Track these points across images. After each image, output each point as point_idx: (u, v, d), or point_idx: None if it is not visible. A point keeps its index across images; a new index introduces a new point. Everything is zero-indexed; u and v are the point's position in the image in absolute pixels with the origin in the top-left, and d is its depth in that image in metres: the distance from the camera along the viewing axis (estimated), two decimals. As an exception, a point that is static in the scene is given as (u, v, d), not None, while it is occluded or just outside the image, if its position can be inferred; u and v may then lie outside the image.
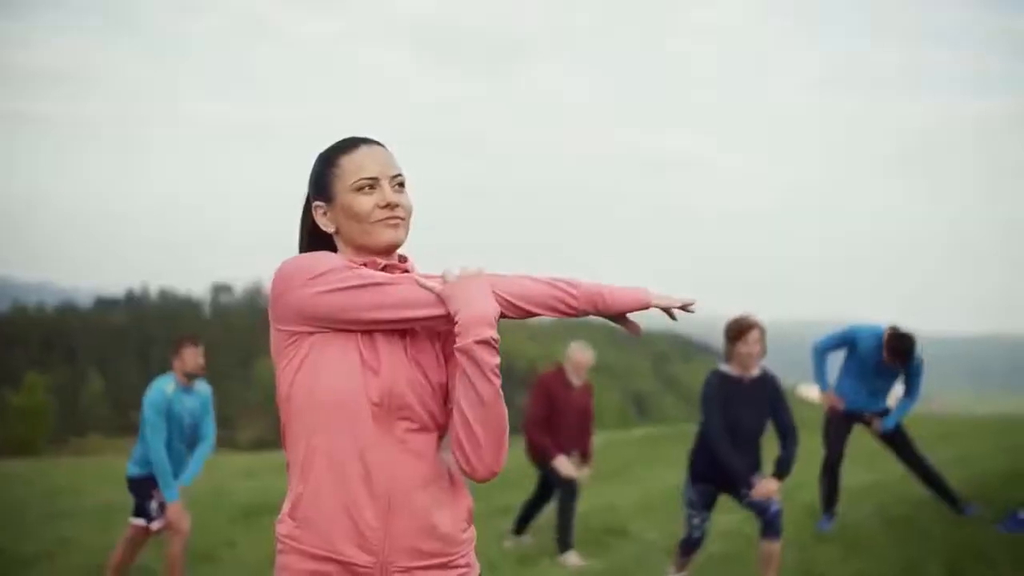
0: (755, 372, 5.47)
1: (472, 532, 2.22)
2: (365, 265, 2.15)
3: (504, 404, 2.08)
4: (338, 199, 2.17)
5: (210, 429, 6.43)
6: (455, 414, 2.09)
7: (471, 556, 2.21)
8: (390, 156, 2.21)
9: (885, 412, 7.03)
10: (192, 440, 6.34)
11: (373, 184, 2.15)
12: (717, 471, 5.42)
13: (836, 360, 7.13)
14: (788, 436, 5.46)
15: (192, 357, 6.22)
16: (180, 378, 6.21)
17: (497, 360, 2.06)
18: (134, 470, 6.29)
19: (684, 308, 2.21)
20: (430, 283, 2.09)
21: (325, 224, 2.21)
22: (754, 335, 5.35)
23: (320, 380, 2.08)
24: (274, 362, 2.18)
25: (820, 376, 7.15)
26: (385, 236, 2.16)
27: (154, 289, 78.17)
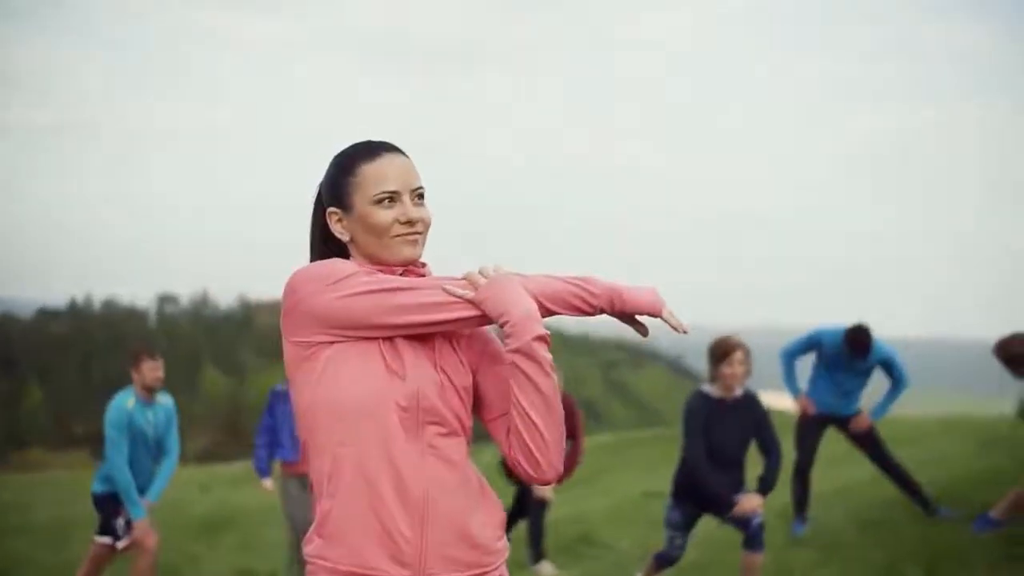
0: (738, 392, 5.42)
1: (505, 542, 2.16)
2: (382, 272, 2.08)
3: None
4: (356, 209, 2.10)
5: (175, 443, 6.28)
6: (516, 419, 2.02)
7: (504, 568, 2.15)
8: (411, 166, 2.14)
9: (857, 415, 7.06)
10: (158, 454, 6.18)
11: (394, 197, 2.08)
12: (700, 492, 5.38)
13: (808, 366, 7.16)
14: (772, 453, 5.42)
15: (150, 371, 6.06)
16: (140, 392, 6.05)
17: (551, 356, 2.01)
18: (99, 487, 6.12)
19: (679, 331, 2.17)
20: (456, 285, 2.03)
21: (340, 232, 2.14)
22: (738, 356, 5.31)
23: (343, 389, 2.00)
24: (289, 377, 2.09)
25: (790, 382, 7.17)
26: (403, 252, 2.10)
27: (98, 299, 76.91)
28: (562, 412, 2.04)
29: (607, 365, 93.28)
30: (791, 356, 7.14)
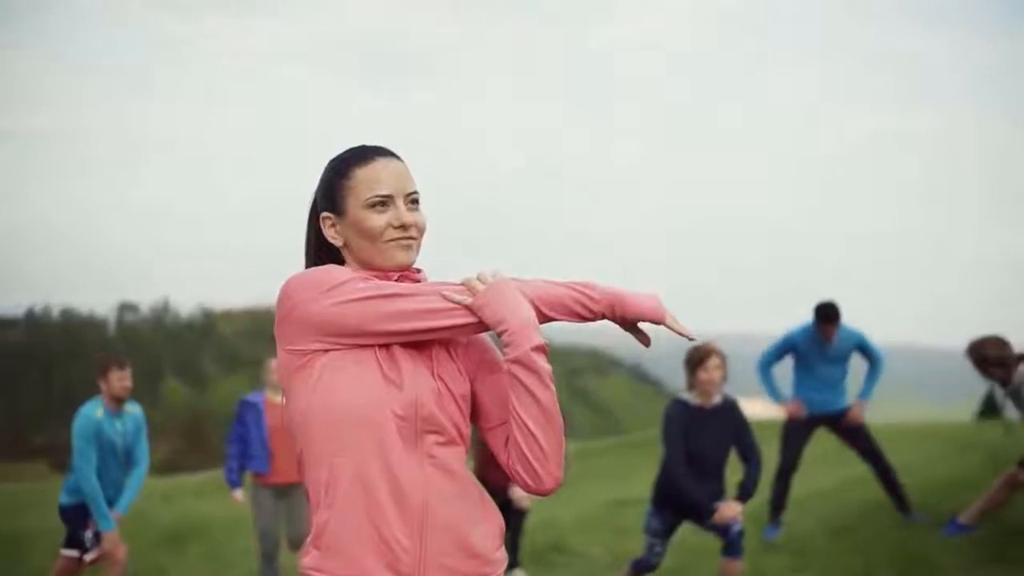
0: (717, 399, 5.43)
1: (504, 553, 2.11)
2: (378, 278, 2.06)
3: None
4: (349, 214, 2.07)
5: (144, 453, 6.19)
6: (514, 429, 1.99)
7: None
8: (406, 170, 2.11)
9: (851, 409, 7.11)
10: (127, 465, 6.10)
11: (387, 201, 2.06)
12: (680, 499, 5.38)
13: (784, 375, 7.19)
14: (751, 460, 5.42)
15: (118, 380, 5.97)
16: (108, 402, 5.97)
17: (550, 366, 1.98)
18: (66, 499, 6.01)
19: (686, 336, 2.16)
20: (454, 291, 2.00)
21: (333, 237, 2.11)
22: (714, 362, 5.31)
23: (340, 397, 1.96)
24: (283, 386, 2.06)
25: (771, 390, 7.21)
26: (397, 257, 2.07)
27: (56, 308, 75.96)
28: (561, 422, 2.01)
29: (571, 372, 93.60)
30: (767, 364, 7.20)
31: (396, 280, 2.07)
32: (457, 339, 2.09)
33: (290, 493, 6.83)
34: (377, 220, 2.05)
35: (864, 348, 7.12)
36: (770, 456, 5.83)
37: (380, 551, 1.95)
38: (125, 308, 77.83)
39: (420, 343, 2.03)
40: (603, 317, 2.11)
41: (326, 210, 2.12)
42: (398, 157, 2.12)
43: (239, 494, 6.93)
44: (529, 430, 1.97)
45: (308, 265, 2.18)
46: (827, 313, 6.96)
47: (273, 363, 6.78)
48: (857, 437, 7.15)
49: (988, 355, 5.92)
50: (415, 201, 2.09)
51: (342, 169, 2.10)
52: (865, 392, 7.17)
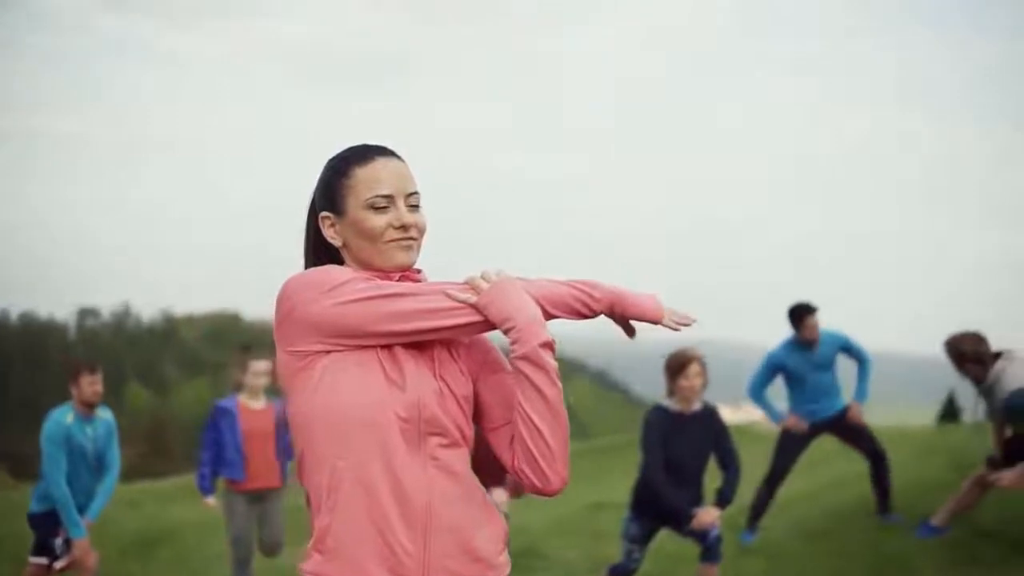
0: (696, 406, 5.43)
1: (507, 557, 2.09)
2: (379, 278, 2.03)
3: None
4: (349, 214, 2.04)
5: (115, 459, 6.11)
6: (520, 427, 1.97)
7: None
8: (407, 170, 2.09)
9: (849, 408, 7.10)
10: (97, 471, 6.01)
11: (387, 202, 2.03)
12: (659, 506, 5.38)
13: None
14: (730, 467, 5.43)
15: (89, 385, 5.88)
16: (79, 407, 5.88)
17: (556, 363, 1.97)
18: (36, 506, 5.92)
19: (685, 324, 2.14)
20: (458, 290, 1.98)
21: (332, 237, 2.09)
22: (694, 368, 5.31)
23: (342, 399, 1.93)
24: (284, 388, 2.02)
25: (769, 412, 7.24)
26: (397, 258, 2.05)
27: (14, 313, 74.86)
28: (567, 422, 2.00)
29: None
30: (758, 390, 7.18)
31: (397, 280, 2.04)
32: (459, 340, 2.07)
33: (264, 498, 6.76)
34: (377, 220, 2.02)
35: (849, 349, 7.12)
36: (750, 461, 5.83)
37: (383, 554, 1.92)
38: (85, 313, 76.92)
39: (422, 344, 2.01)
40: (601, 314, 2.11)
41: (325, 209, 2.09)
42: (399, 156, 2.10)
43: (211, 501, 6.83)
44: (536, 427, 1.95)
45: (307, 265, 2.15)
46: (800, 311, 6.96)
47: (253, 365, 6.71)
48: (860, 438, 7.15)
49: (965, 351, 5.93)
50: (414, 202, 2.07)
51: (342, 168, 2.07)
52: (860, 393, 7.13)
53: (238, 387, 6.81)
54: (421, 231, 2.07)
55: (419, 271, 2.12)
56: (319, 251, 2.13)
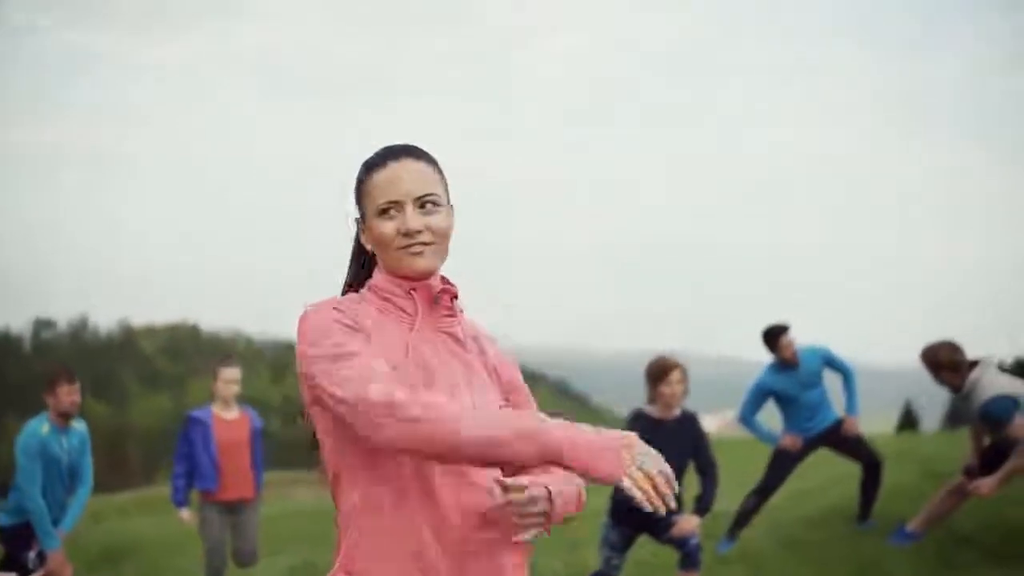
0: (676, 412, 5.44)
1: None
2: (413, 289, 1.99)
3: None
4: (368, 220, 2.01)
5: (89, 470, 6.03)
6: None
7: None
8: (421, 172, 1.98)
9: (844, 420, 7.10)
10: (71, 483, 5.93)
11: (396, 207, 1.96)
12: (638, 513, 5.37)
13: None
14: (708, 474, 5.44)
15: (66, 395, 5.79)
16: (55, 418, 5.79)
17: None
18: (6, 520, 5.81)
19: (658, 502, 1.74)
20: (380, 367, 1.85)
21: (365, 242, 2.04)
22: (676, 375, 5.33)
23: None
24: (309, 410, 1.97)
25: (763, 436, 7.24)
26: (405, 265, 1.97)
27: (-32, 325, 73.60)
28: None
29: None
30: (749, 416, 7.18)
31: (411, 290, 1.99)
32: (492, 355, 2.08)
33: (238, 509, 6.69)
34: (386, 228, 1.96)
35: (832, 362, 7.11)
36: (729, 473, 5.85)
37: None
38: (41, 324, 75.84)
39: (459, 356, 1.99)
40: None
41: (358, 215, 2.05)
42: (419, 156, 2.01)
43: (186, 513, 6.74)
44: None
45: (348, 270, 2.13)
46: (774, 333, 6.97)
47: (223, 373, 6.64)
48: (859, 450, 7.15)
49: (942, 359, 5.96)
50: (429, 203, 1.97)
51: (362, 173, 2.03)
52: (851, 407, 7.11)
53: (218, 395, 6.73)
54: (436, 233, 1.97)
55: (444, 279, 2.04)
56: (361, 256, 2.09)
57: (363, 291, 2.04)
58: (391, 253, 1.98)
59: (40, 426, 5.74)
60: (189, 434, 6.64)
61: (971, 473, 6.14)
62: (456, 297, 2.05)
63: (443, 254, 2.01)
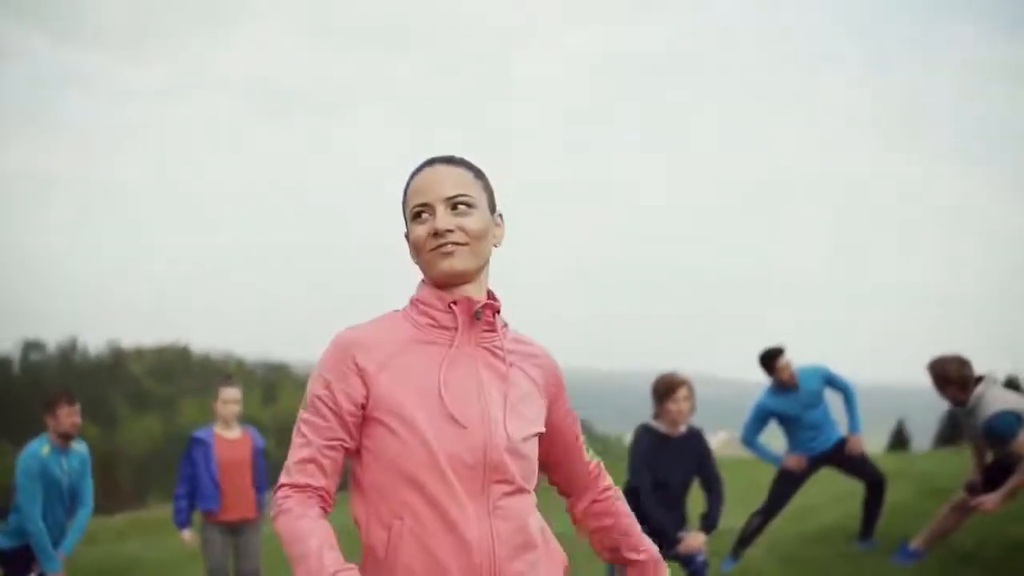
0: (683, 428, 5.46)
1: None
2: (454, 303, 1.96)
3: None
4: (407, 226, 2.00)
5: (89, 492, 6.02)
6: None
7: None
8: (453, 175, 1.96)
9: (848, 439, 7.09)
10: (71, 504, 5.91)
11: (426, 210, 1.94)
12: (645, 526, 5.35)
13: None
14: (714, 490, 5.46)
15: (67, 416, 5.78)
16: (55, 439, 5.78)
17: None
18: (6, 542, 5.78)
19: None
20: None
21: (409, 247, 2.03)
22: (683, 392, 5.35)
23: (398, 439, 1.87)
24: None
25: (767, 456, 7.24)
26: (436, 266, 1.93)
27: (-44, 347, 73.21)
28: None
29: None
30: (752, 438, 7.20)
31: (451, 306, 1.95)
32: (536, 378, 2.05)
33: (240, 530, 6.67)
34: (419, 231, 1.94)
35: (831, 381, 7.10)
36: (729, 491, 5.83)
37: None
38: (30, 346, 75.42)
39: (498, 379, 1.96)
40: None
41: (406, 230, 2.03)
42: (456, 162, 2.00)
43: (188, 534, 6.71)
44: None
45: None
46: (770, 356, 6.99)
47: (223, 393, 6.64)
48: (863, 469, 7.13)
49: (950, 374, 5.95)
50: (460, 204, 1.94)
51: (406, 182, 2.02)
52: (853, 426, 7.10)
53: (219, 416, 6.72)
54: (469, 233, 1.93)
55: (490, 300, 2.01)
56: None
57: (406, 306, 2.02)
58: (424, 256, 1.96)
59: (41, 447, 5.73)
60: (190, 455, 6.62)
61: (974, 489, 6.15)
62: (498, 312, 2.01)
63: (478, 256, 1.96)
